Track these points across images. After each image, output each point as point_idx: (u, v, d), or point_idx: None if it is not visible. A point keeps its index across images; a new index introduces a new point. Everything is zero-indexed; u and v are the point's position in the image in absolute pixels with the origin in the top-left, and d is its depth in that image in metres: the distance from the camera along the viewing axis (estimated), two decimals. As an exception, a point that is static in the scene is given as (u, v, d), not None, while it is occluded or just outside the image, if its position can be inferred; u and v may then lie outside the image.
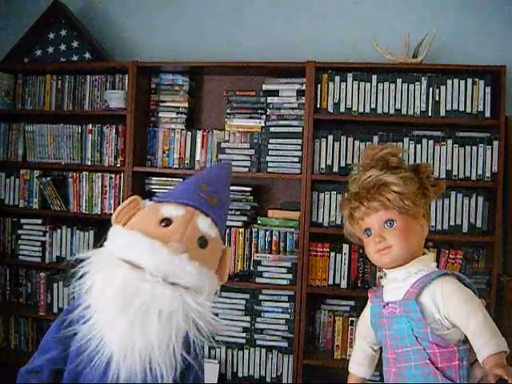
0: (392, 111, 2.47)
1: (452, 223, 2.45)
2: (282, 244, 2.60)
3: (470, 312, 1.21)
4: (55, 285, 2.76)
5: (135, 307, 1.02)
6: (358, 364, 1.46)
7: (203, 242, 1.14)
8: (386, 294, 1.36)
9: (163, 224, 1.12)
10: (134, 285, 1.03)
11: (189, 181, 1.31)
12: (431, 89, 2.45)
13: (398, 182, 1.30)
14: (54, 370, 1.16)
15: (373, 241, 1.33)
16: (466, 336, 1.23)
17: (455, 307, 1.23)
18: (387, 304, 1.33)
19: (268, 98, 2.61)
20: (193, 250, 1.11)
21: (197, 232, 1.14)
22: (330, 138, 2.53)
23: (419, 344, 1.24)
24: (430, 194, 1.37)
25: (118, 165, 2.73)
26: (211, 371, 2.52)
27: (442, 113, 2.44)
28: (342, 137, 2.52)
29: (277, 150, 2.58)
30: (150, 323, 1.02)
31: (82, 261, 1.10)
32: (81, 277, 1.09)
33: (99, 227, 2.76)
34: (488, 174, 2.42)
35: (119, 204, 2.77)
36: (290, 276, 2.51)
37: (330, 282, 2.52)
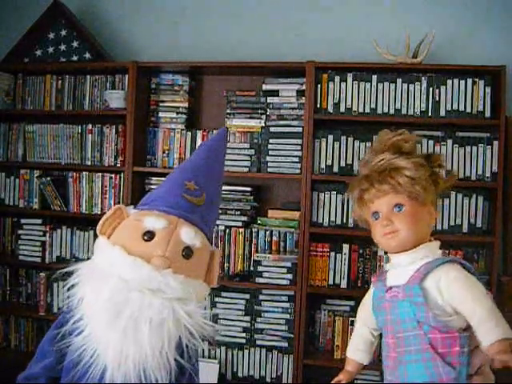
0: (392, 111, 2.47)
1: (452, 223, 2.45)
2: (282, 244, 2.60)
3: (476, 299, 1.21)
4: (55, 285, 2.76)
5: (126, 317, 1.02)
6: (356, 349, 1.47)
7: (188, 252, 1.14)
8: (390, 278, 1.36)
9: (146, 238, 1.12)
10: (123, 295, 1.04)
11: (173, 176, 1.28)
12: (431, 89, 2.45)
13: (410, 166, 1.31)
14: (51, 377, 1.16)
15: (380, 224, 1.33)
16: (467, 324, 1.23)
17: (460, 294, 1.23)
18: (390, 288, 1.32)
19: (268, 98, 2.61)
20: (177, 262, 1.11)
21: (180, 244, 1.13)
22: (330, 138, 2.53)
23: (420, 329, 1.24)
24: (441, 183, 1.38)
25: (118, 165, 2.73)
26: (211, 371, 2.52)
27: (442, 113, 2.44)
28: (342, 137, 2.52)
29: (277, 150, 2.57)
30: (142, 332, 1.03)
31: (71, 273, 1.11)
32: (70, 288, 1.10)
33: (99, 227, 2.75)
34: (488, 174, 2.42)
35: (119, 204, 2.78)
36: (289, 276, 2.51)
37: (330, 281, 2.52)
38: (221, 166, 1.37)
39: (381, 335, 1.40)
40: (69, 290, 1.10)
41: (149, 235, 1.12)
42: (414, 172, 1.31)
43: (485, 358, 1.21)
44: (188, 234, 1.14)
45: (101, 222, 1.17)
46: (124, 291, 1.04)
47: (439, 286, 1.24)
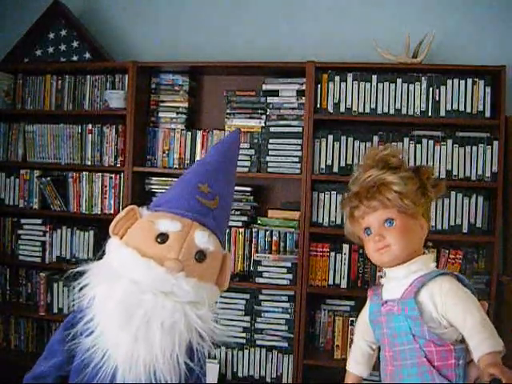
0: (392, 111, 2.47)
1: (452, 223, 2.45)
2: (282, 244, 2.60)
3: (467, 311, 1.22)
4: (55, 285, 2.76)
5: (138, 319, 1.02)
6: (356, 362, 1.47)
7: (201, 256, 1.13)
8: (385, 292, 1.37)
9: (159, 240, 1.11)
10: (135, 297, 1.03)
11: (186, 178, 1.27)
12: (431, 89, 2.45)
13: (397, 181, 1.31)
14: (59, 376, 1.16)
15: (372, 239, 1.33)
16: (462, 336, 1.23)
17: (452, 306, 1.23)
18: (385, 302, 1.33)
19: (268, 98, 2.61)
20: (190, 265, 1.11)
21: (194, 248, 1.13)
22: (330, 137, 2.53)
23: (416, 342, 1.25)
24: (430, 195, 1.38)
25: (118, 165, 2.73)
26: (211, 371, 2.52)
27: (442, 113, 2.44)
28: (342, 137, 2.52)
29: (277, 150, 2.58)
30: (153, 334, 1.03)
31: (82, 272, 1.10)
32: (81, 288, 1.09)
33: (99, 227, 2.76)
34: (488, 174, 2.42)
35: (119, 204, 2.81)
36: (290, 276, 2.51)
37: (330, 281, 2.52)
38: (233, 168, 1.35)
39: (379, 348, 1.41)
40: (80, 290, 1.09)
41: (162, 238, 1.11)
42: (402, 186, 1.31)
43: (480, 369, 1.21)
44: (202, 238, 1.14)
45: (113, 222, 1.16)
46: (137, 293, 1.04)
47: (433, 299, 1.25)
